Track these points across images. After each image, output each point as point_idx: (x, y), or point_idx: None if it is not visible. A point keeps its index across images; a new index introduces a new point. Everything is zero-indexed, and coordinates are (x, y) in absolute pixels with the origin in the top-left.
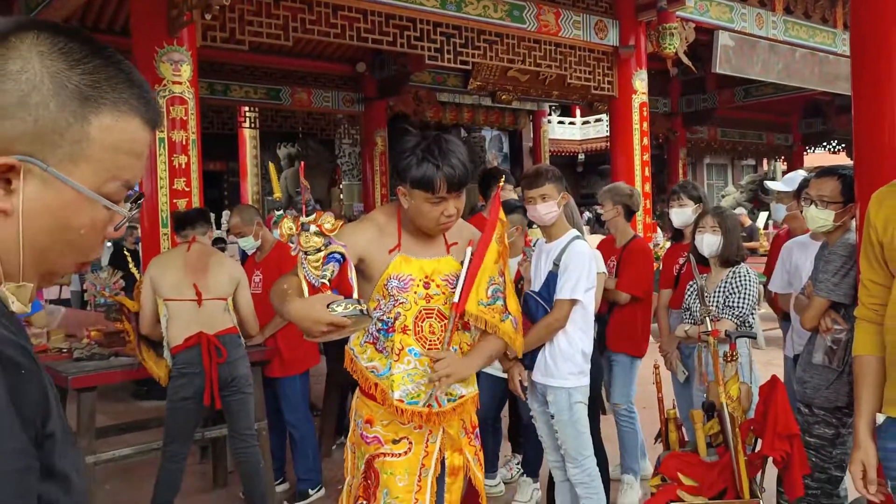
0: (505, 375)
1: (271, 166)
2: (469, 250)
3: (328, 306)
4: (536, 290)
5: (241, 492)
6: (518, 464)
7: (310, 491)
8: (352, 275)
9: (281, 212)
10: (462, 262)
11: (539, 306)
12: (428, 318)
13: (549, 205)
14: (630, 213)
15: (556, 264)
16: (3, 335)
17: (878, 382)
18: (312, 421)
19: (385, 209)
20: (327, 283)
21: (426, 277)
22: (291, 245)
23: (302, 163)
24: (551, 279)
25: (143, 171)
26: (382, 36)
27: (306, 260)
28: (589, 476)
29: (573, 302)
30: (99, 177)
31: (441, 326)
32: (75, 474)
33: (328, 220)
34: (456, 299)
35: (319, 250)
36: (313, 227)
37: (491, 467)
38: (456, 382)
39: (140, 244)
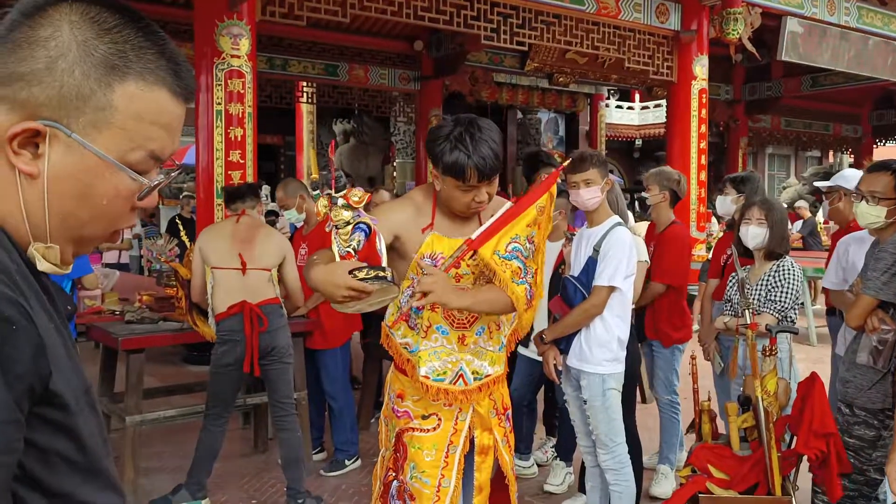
0: (541, 359)
1: (312, 152)
2: (507, 205)
3: (350, 272)
4: (576, 274)
5: (279, 458)
6: (552, 447)
7: (346, 461)
8: (380, 246)
9: (318, 192)
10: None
11: (577, 291)
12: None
13: (592, 190)
14: (676, 200)
15: (596, 250)
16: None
17: None
18: (352, 393)
19: (423, 188)
20: (352, 253)
21: None
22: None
23: (332, 140)
24: (591, 265)
25: (175, 144)
26: (439, 15)
27: (337, 234)
28: (619, 463)
29: (611, 289)
30: (123, 145)
31: None
32: (89, 436)
33: (356, 194)
34: (473, 236)
35: (349, 223)
36: (341, 201)
37: (525, 449)
38: (436, 301)
39: (196, 213)
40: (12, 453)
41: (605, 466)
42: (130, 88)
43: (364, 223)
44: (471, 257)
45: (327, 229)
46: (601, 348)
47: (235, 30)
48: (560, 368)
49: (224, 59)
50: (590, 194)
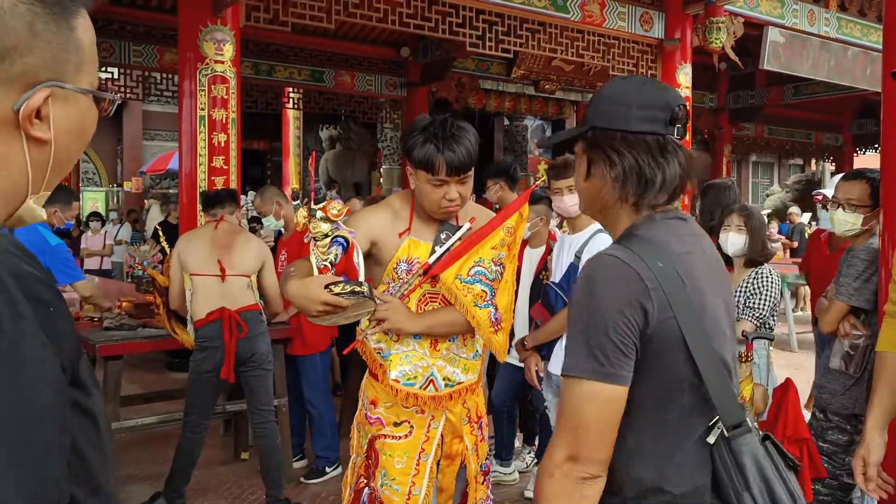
0: (522, 365)
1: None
2: (468, 225)
3: (326, 286)
4: (557, 280)
5: (259, 465)
6: (529, 453)
7: (326, 468)
8: (358, 259)
9: (298, 202)
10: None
11: (558, 297)
12: (431, 301)
13: (575, 196)
14: None
15: (577, 256)
16: (30, 272)
17: None
18: (332, 399)
19: (402, 194)
20: (328, 266)
21: None
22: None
23: (313, 152)
24: (572, 271)
25: None
26: (424, 21)
27: (315, 246)
28: None
29: None
30: (93, 74)
31: None
32: (100, 415)
33: (334, 207)
34: (430, 261)
35: (327, 236)
36: (320, 214)
37: (506, 455)
38: (391, 328)
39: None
40: (67, 433)
41: None
42: (81, 21)
43: (342, 237)
44: (430, 283)
45: (306, 240)
46: None
47: (219, 35)
48: (541, 374)
49: (208, 64)
50: (573, 200)
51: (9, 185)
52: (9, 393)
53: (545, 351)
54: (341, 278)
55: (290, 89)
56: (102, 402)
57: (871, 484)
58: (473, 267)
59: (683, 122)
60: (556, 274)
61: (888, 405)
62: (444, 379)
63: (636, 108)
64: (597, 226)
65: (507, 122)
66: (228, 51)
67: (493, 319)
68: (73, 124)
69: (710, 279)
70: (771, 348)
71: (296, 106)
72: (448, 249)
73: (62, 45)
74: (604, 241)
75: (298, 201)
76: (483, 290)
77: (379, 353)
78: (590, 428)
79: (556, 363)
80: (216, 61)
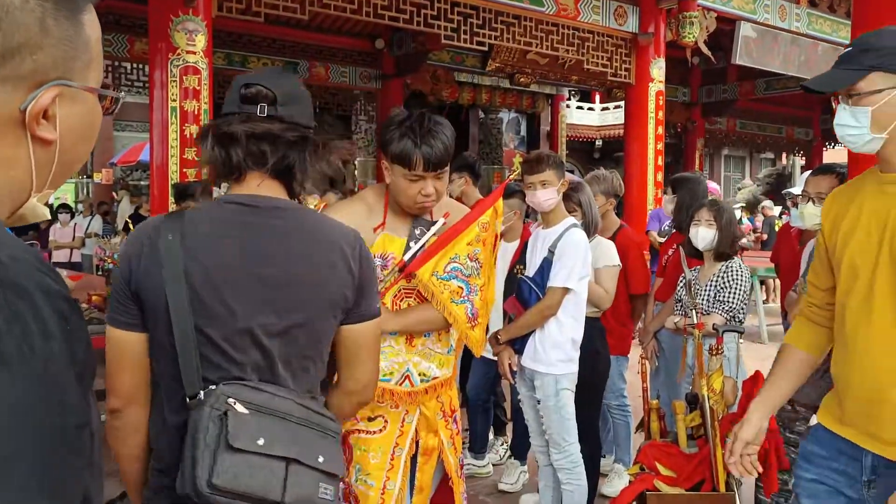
0: (496, 358)
1: None
2: (442, 220)
3: None
4: (530, 275)
5: None
6: (503, 445)
7: None
8: None
9: None
10: (433, 232)
11: (532, 292)
12: (407, 297)
13: (548, 191)
14: (619, 201)
15: (550, 251)
16: (56, 289)
17: (794, 376)
18: None
19: (376, 188)
20: None
21: None
22: None
23: None
24: (545, 265)
25: None
26: (399, 13)
27: None
28: (572, 462)
29: (565, 290)
30: (99, 71)
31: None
32: (97, 428)
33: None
34: (406, 258)
35: None
36: None
37: (480, 448)
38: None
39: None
40: (86, 456)
41: (557, 466)
42: (89, 17)
43: None
44: (406, 279)
45: None
46: (555, 349)
47: (191, 25)
48: (515, 368)
49: (179, 54)
50: (546, 195)
51: (14, 184)
52: (37, 415)
53: (518, 345)
54: None
55: None
56: (98, 412)
57: (732, 458)
58: (449, 263)
59: (263, 100)
60: (530, 268)
61: (775, 393)
62: (419, 374)
63: (234, 94)
64: (570, 220)
65: (482, 114)
66: (200, 41)
67: (470, 315)
68: (79, 123)
69: (244, 268)
70: (741, 341)
71: None
72: (423, 247)
73: (72, 42)
74: (577, 235)
75: None
76: (459, 287)
77: None
78: (108, 363)
79: (528, 357)
80: (188, 52)
